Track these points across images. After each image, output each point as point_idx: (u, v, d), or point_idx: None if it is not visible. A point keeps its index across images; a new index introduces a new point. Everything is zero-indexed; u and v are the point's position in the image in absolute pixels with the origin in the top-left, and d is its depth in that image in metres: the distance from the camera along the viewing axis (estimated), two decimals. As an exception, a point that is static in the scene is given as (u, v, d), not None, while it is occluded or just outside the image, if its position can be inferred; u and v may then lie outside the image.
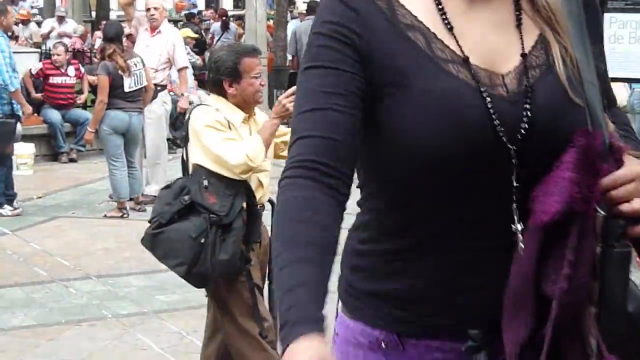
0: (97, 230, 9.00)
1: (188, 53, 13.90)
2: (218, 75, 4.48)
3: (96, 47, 15.72)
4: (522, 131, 1.73)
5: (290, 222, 1.66)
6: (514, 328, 1.75)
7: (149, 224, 4.45)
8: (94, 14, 23.38)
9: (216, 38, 21.28)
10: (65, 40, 16.44)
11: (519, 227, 1.74)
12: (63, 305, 6.69)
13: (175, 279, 7.26)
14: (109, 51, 9.47)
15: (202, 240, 4.30)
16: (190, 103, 10.27)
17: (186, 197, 4.34)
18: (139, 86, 9.54)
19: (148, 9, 10.35)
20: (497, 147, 1.72)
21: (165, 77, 10.37)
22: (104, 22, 13.87)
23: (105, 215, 9.56)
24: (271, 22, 18.75)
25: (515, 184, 1.74)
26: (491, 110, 1.72)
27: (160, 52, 10.20)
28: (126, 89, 9.40)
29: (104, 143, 9.64)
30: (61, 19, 19.36)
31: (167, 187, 4.50)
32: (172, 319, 6.33)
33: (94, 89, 12.17)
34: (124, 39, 10.04)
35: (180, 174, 4.59)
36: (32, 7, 25.72)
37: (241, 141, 4.41)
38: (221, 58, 4.49)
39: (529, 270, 1.72)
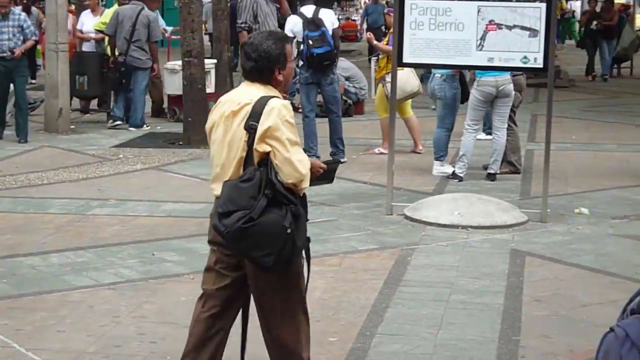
0: None
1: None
2: (270, 64, 4.54)
3: None
4: None
5: None
6: None
7: (225, 217, 4.37)
8: None
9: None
10: None
11: None
12: None
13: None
14: None
15: (289, 231, 4.38)
16: None
17: (269, 191, 4.37)
18: None
19: None
20: None
21: None
22: None
23: None
24: (73, 7, 18.34)
25: None
26: None
27: None
28: None
29: None
30: None
31: (247, 179, 4.40)
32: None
33: None
34: None
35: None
36: None
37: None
38: (270, 47, 4.53)
39: None
